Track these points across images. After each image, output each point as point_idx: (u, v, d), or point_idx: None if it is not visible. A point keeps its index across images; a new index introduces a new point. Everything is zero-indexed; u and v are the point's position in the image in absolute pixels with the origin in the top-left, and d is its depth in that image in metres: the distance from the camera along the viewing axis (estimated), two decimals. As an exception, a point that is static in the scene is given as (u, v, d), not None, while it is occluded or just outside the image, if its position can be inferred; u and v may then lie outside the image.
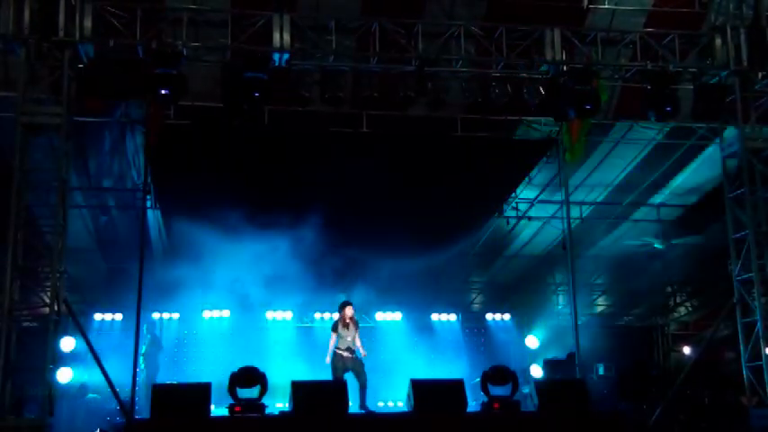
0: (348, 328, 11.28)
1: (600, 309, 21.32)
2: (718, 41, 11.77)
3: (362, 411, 10.78)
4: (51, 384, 9.63)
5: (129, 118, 12.71)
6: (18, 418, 9.48)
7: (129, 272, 12.24)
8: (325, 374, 13.65)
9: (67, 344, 13.54)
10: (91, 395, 13.38)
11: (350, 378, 11.14)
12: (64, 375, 13.18)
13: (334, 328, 11.32)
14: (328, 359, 11.20)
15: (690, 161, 15.20)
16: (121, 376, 13.24)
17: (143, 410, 11.60)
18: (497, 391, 10.65)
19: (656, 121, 12.56)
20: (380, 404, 13.36)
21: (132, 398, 10.86)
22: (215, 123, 12.29)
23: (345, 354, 11.14)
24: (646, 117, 12.14)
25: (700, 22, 12.26)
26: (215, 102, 11.37)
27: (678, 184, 16.03)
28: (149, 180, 13.16)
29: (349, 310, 11.41)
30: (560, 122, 12.78)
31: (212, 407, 9.86)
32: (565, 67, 11.51)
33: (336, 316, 11.62)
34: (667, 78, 11.63)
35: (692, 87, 11.88)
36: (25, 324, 10.46)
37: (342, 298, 17.90)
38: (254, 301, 16.01)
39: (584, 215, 16.72)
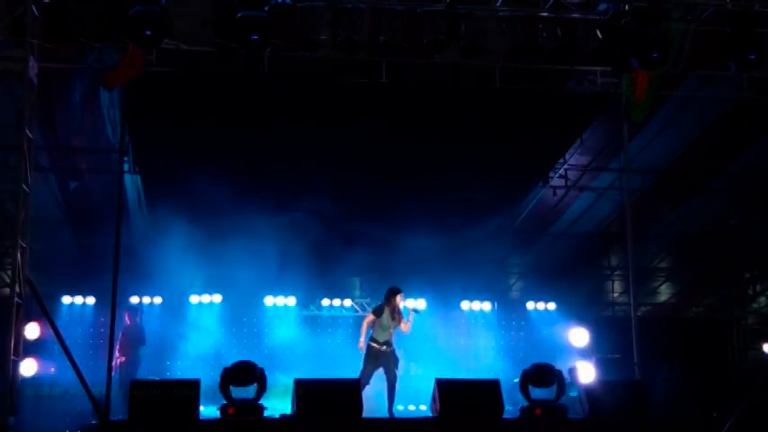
0: (393, 319, 11.56)
1: (663, 298, 21.29)
2: (816, -26, 11.59)
3: (387, 417, 10.98)
4: (15, 379, 9.77)
5: (103, 64, 12.71)
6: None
7: (104, 247, 12.34)
8: (335, 372, 13.79)
9: (32, 331, 13.74)
10: None
11: (377, 377, 11.35)
12: (28, 367, 13.39)
13: (377, 313, 11.55)
14: (362, 344, 11.48)
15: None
16: (94, 370, 13.47)
17: (119, 410, 11.75)
18: (540, 393, 10.70)
19: (738, 72, 12.40)
20: (400, 408, 13.46)
21: (107, 395, 11.00)
22: (205, 71, 12.29)
23: (384, 348, 11.40)
24: (725, 67, 12.00)
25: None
26: (205, 46, 11.36)
27: (761, 150, 15.88)
28: (127, 139, 13.22)
29: (399, 299, 11.66)
30: (621, 74, 12.67)
31: (201, 407, 9.98)
32: (627, 6, 11.39)
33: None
34: (752, 20, 11.48)
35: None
36: (-18, 307, 10.59)
37: (355, 281, 18.13)
38: (251, 285, 16.12)
39: (646, 186, 16.63)
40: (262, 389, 10.17)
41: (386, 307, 11.65)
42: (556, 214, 18.20)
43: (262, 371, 10.29)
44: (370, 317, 11.68)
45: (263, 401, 10.15)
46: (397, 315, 11.66)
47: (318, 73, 12.58)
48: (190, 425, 9.67)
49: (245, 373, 10.27)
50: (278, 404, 11.71)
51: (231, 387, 10.16)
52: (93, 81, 13.28)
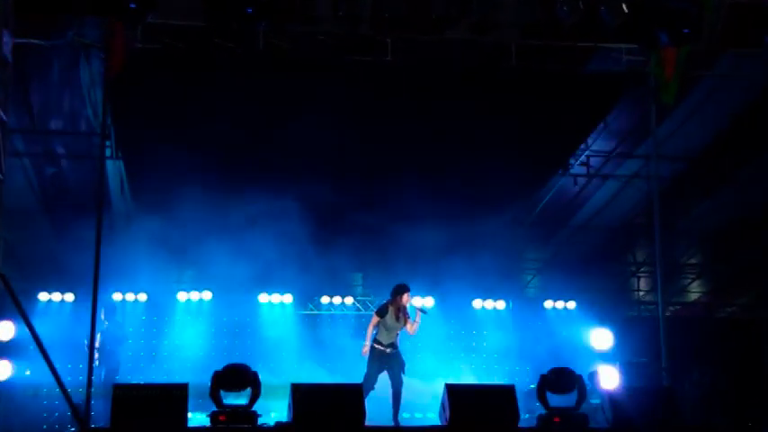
0: (398, 320, 11.53)
1: (694, 297, 21.27)
2: None
3: (392, 425, 11.03)
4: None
5: (83, 41, 12.72)
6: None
7: (84, 240, 12.36)
8: (335, 375, 13.82)
9: (6, 331, 13.80)
10: None
11: (381, 380, 11.36)
12: (1, 370, 13.45)
13: (381, 314, 11.55)
14: (366, 350, 11.52)
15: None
16: (73, 373, 13.52)
17: (100, 417, 11.80)
18: (558, 400, 10.70)
19: (775, 50, 12.40)
20: (406, 415, 13.50)
21: (87, 401, 11.04)
22: (194, 49, 12.29)
23: (388, 350, 11.41)
24: (762, 44, 11.96)
25: None
26: (195, 20, 11.35)
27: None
28: (109, 121, 13.22)
29: (406, 298, 11.63)
30: (649, 51, 12.64)
31: (189, 414, 10.01)
32: (656, -23, 11.38)
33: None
34: (792, -7, 11.47)
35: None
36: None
37: (357, 277, 18.09)
38: (244, 281, 16.13)
39: (676, 174, 16.61)
40: (256, 394, 10.19)
41: (390, 306, 11.63)
42: (577, 205, 18.18)
43: (255, 374, 10.30)
44: (375, 319, 11.66)
45: (256, 408, 10.18)
46: (402, 315, 11.63)
47: (318, 50, 12.58)
48: (177, 432, 9.70)
49: (238, 377, 10.28)
50: (273, 410, 11.74)
51: (222, 392, 10.17)
52: (73, 58, 13.29)
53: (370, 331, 11.63)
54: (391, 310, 11.60)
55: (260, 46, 12.46)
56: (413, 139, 14.23)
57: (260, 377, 10.29)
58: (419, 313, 11.74)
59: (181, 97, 13.27)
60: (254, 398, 10.16)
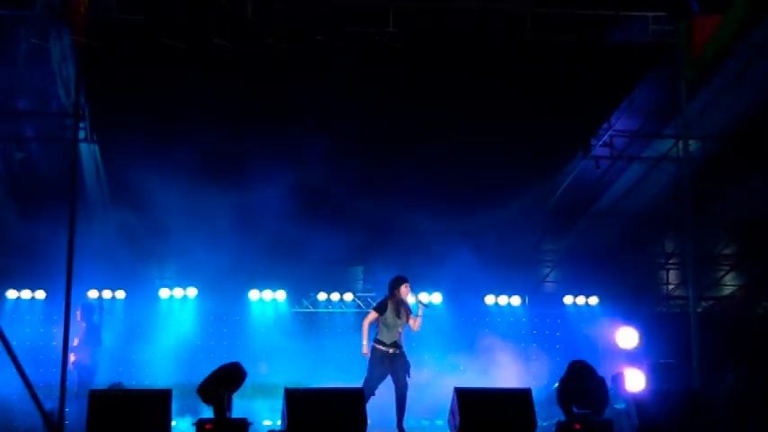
0: (399, 316, 11.49)
1: (728, 291, 21.28)
2: None
3: None
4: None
5: (54, 11, 12.70)
6: None
7: (56, 231, 12.36)
8: (334, 379, 13.82)
9: (-29, 331, 13.78)
10: None
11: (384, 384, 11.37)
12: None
13: (380, 310, 11.53)
14: (365, 350, 11.48)
15: None
16: (45, 377, 13.52)
17: (75, 424, 11.82)
18: (579, 405, 10.73)
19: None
20: (411, 422, 13.52)
21: (61, 407, 11.06)
22: (177, 20, 12.27)
23: (391, 350, 11.38)
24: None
25: None
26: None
27: None
28: (83, 101, 13.21)
29: (405, 290, 11.60)
30: (678, 20, 12.62)
31: (173, 422, 10.03)
32: (685, -62, 11.38)
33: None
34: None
35: None
36: None
37: (357, 271, 18.09)
38: (232, 276, 16.15)
39: (708, 155, 16.59)
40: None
41: (389, 301, 11.60)
42: (599, 190, 18.15)
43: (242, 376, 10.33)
44: (372, 315, 11.63)
45: (249, 413, 10.20)
46: (403, 310, 11.59)
47: (312, 20, 12.56)
48: (160, 442, 9.73)
49: (230, 378, 10.30)
50: (266, 418, 11.78)
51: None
52: (42, 30, 13.27)
53: (366, 328, 11.57)
54: (390, 305, 11.56)
55: (249, 15, 12.44)
56: (418, 118, 14.22)
57: (252, 381, 10.32)
58: (422, 307, 11.70)
59: (162, 73, 13.25)
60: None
